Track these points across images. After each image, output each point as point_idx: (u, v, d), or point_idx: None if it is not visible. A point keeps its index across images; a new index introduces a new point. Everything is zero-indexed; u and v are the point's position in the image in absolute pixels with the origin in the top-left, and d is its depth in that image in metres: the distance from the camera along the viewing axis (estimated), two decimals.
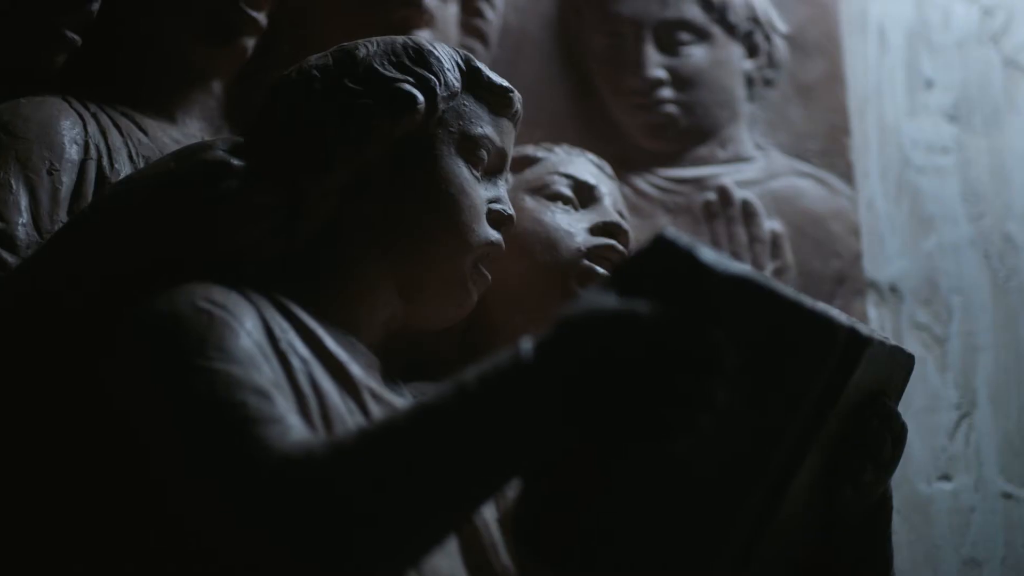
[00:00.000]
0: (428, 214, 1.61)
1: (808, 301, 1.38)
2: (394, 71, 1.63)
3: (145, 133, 1.84)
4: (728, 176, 2.22)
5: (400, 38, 1.67)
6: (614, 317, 1.24)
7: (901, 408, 2.22)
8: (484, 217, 1.65)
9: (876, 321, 2.28)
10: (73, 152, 1.74)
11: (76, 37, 1.80)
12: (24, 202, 1.66)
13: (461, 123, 1.64)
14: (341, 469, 1.29)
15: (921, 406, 2.25)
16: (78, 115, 1.79)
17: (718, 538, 1.37)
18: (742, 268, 1.32)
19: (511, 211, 1.68)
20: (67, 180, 1.71)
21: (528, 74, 2.24)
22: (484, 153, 1.66)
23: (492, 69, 2.19)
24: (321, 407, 1.45)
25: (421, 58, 1.64)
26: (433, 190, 1.61)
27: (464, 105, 1.66)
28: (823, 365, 1.39)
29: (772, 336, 1.35)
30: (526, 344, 1.27)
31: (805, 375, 1.38)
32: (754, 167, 2.28)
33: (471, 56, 1.70)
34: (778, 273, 2.17)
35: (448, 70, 1.65)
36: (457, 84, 1.65)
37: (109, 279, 1.56)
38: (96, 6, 1.81)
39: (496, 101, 1.69)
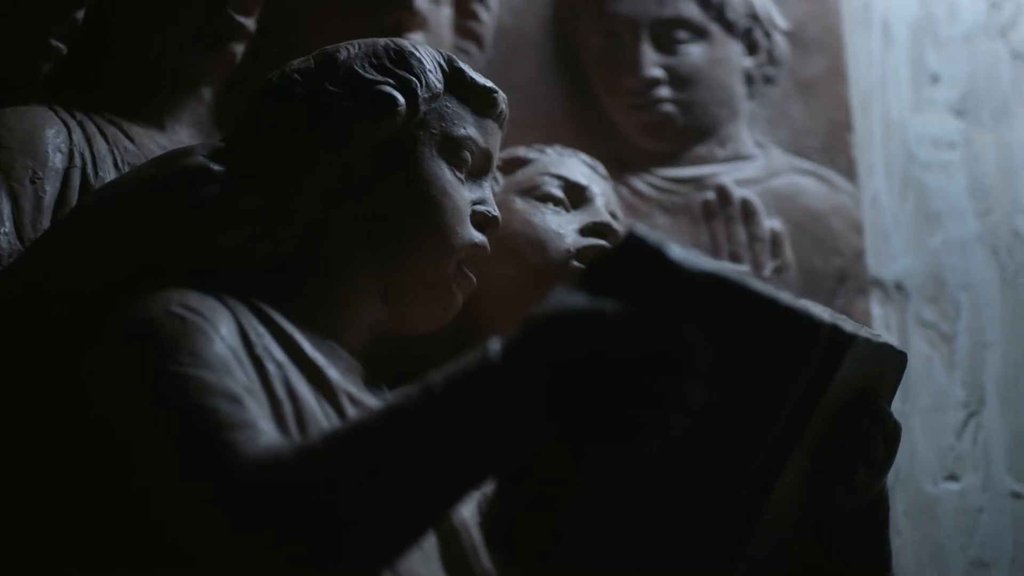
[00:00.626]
0: (410, 217, 1.60)
1: (787, 299, 1.35)
2: (374, 73, 1.61)
3: (132, 140, 1.83)
4: (727, 175, 2.20)
5: (382, 40, 1.66)
6: (581, 316, 1.22)
7: (907, 407, 2.21)
8: (468, 219, 1.63)
9: (881, 319, 2.25)
10: (57, 160, 1.73)
11: (61, 46, 1.80)
12: (7, 211, 1.66)
13: (443, 124, 1.63)
14: (305, 473, 1.28)
15: (927, 405, 2.22)
16: (63, 123, 1.78)
17: (699, 539, 1.35)
18: (715, 265, 1.30)
19: (496, 213, 1.67)
20: (51, 189, 1.71)
21: (524, 75, 2.23)
22: (467, 155, 1.64)
23: (487, 70, 2.17)
24: (296, 412, 1.45)
25: (402, 60, 1.63)
26: (415, 192, 1.60)
27: (447, 106, 1.64)
28: (804, 363, 1.37)
29: (749, 334, 1.33)
30: (494, 345, 1.26)
31: (786, 373, 1.36)
32: (754, 165, 2.25)
33: (454, 57, 1.68)
34: (778, 272, 2.14)
35: (430, 71, 1.63)
36: (439, 85, 1.64)
37: (94, 284, 1.55)
38: (81, 14, 1.80)
39: (480, 102, 1.67)
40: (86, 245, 1.57)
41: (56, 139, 1.75)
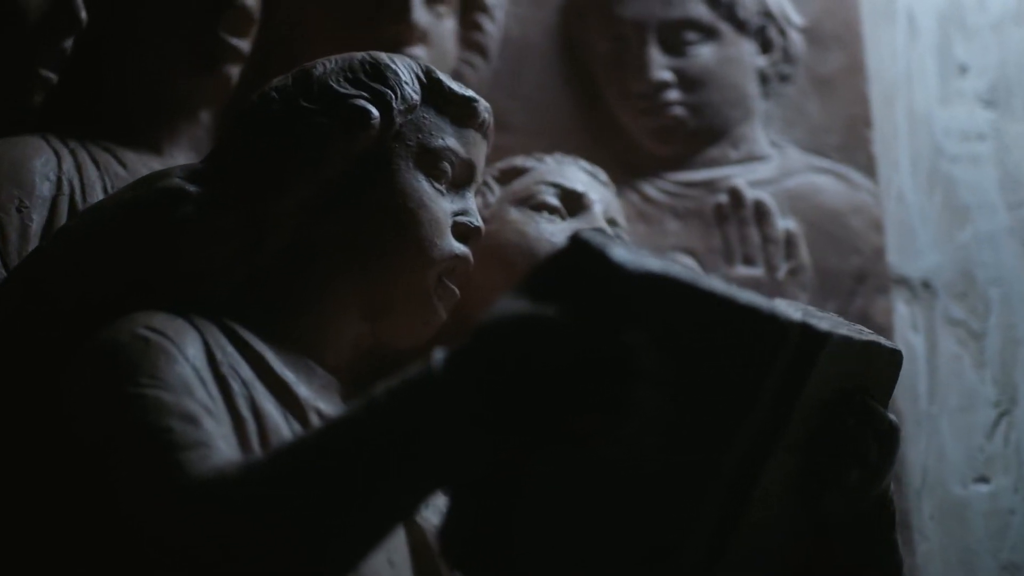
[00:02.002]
0: (387, 230, 1.58)
1: (749, 297, 1.31)
2: (349, 87, 1.60)
3: (124, 166, 1.84)
4: (741, 177, 2.15)
5: (360, 54, 1.65)
6: (520, 323, 1.20)
7: (936, 408, 2.15)
8: (448, 230, 1.61)
9: (908, 318, 2.18)
10: (45, 189, 1.74)
11: (52, 75, 1.80)
12: None
13: (420, 136, 1.61)
14: (247, 487, 1.28)
15: (956, 405, 2.15)
16: (54, 152, 1.79)
17: (669, 544, 1.32)
18: (663, 266, 1.25)
19: (478, 223, 1.64)
20: (37, 217, 1.72)
21: (531, 84, 2.20)
22: (447, 165, 1.62)
23: (494, 81, 2.15)
24: (260, 429, 1.45)
25: (377, 73, 1.62)
26: (391, 205, 1.59)
27: (424, 118, 1.62)
28: (772, 363, 1.32)
29: (709, 335, 1.29)
30: (438, 354, 1.24)
31: (753, 374, 1.32)
32: (769, 166, 2.20)
33: (432, 68, 1.66)
34: (793, 273, 2.09)
35: (406, 83, 1.62)
36: (416, 97, 1.62)
37: (77, 304, 1.55)
38: (70, 43, 1.81)
39: (459, 112, 1.65)
40: (68, 265, 1.57)
41: (44, 168, 1.76)
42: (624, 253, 1.23)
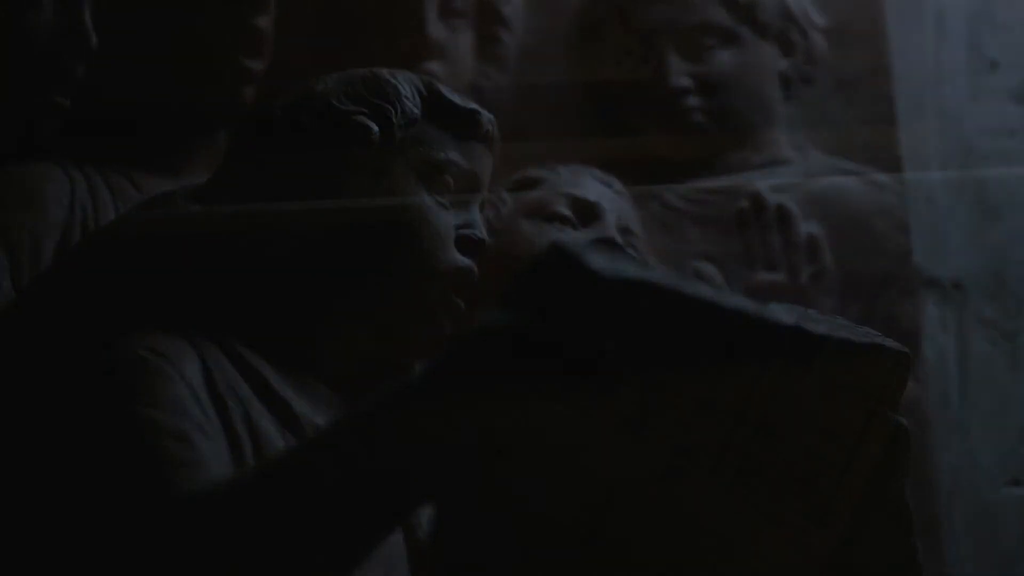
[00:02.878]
0: (389, 245, 1.58)
1: (736, 302, 1.28)
2: (349, 104, 1.61)
3: (139, 190, 1.85)
4: (762, 181, 2.13)
5: (362, 70, 1.66)
6: (496, 334, 1.19)
7: (967, 411, 2.11)
8: (451, 244, 1.60)
9: (938, 321, 2.15)
10: (57, 214, 1.77)
11: (65, 101, 1.82)
12: (4, 265, 1.70)
13: (420, 150, 1.61)
14: (232, 504, 1.28)
15: (989, 407, 2.12)
16: (68, 178, 1.82)
17: (666, 550, 1.30)
18: (644, 273, 1.23)
19: (482, 235, 1.64)
20: (49, 243, 1.74)
21: (548, 94, 2.20)
22: (449, 179, 1.62)
23: (511, 92, 2.15)
24: (256, 447, 1.45)
25: (377, 88, 1.62)
26: (392, 220, 1.58)
27: (425, 131, 1.62)
28: (763, 369, 1.30)
29: (695, 342, 1.27)
30: (419, 367, 1.24)
31: (744, 380, 1.30)
32: (791, 170, 2.18)
33: (434, 81, 1.66)
34: (816, 277, 2.07)
35: (406, 98, 1.62)
36: (416, 111, 1.62)
37: (77, 326, 1.57)
38: (82, 69, 1.82)
39: (461, 124, 1.64)
40: (71, 287, 1.59)
41: (57, 194, 1.78)
42: (601, 260, 1.21)
